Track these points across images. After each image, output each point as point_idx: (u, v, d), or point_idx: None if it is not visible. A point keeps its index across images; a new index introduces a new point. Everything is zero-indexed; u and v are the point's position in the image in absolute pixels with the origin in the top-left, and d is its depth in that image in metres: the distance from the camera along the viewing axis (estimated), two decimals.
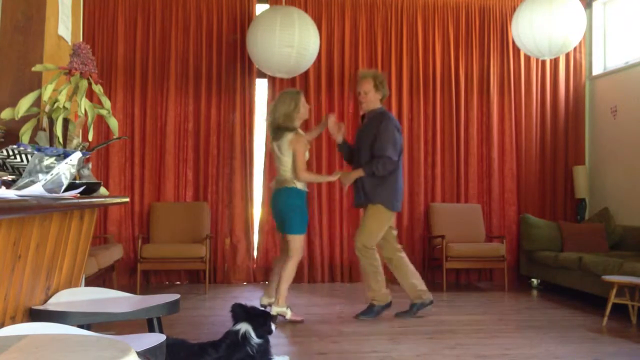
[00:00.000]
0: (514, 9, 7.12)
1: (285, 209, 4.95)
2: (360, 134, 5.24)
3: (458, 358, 3.81)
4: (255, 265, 7.11)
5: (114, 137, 2.77)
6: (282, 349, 4.04)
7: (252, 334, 3.36)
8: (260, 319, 3.42)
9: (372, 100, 5.15)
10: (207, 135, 7.05)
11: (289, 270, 4.91)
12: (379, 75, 5.23)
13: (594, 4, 7.52)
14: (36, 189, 1.71)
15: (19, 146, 2.02)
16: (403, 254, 5.23)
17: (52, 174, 1.87)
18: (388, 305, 5.12)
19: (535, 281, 7.09)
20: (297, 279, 7.01)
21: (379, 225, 5.08)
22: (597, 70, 7.57)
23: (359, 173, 5.08)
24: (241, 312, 3.44)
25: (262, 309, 3.63)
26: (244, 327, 3.38)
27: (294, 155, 4.90)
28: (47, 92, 2.44)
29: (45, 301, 2.27)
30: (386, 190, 5.07)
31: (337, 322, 4.97)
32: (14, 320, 1.99)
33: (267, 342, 3.45)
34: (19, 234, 1.91)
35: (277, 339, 4.36)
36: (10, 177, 1.95)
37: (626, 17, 7.18)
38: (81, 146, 2.57)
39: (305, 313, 5.15)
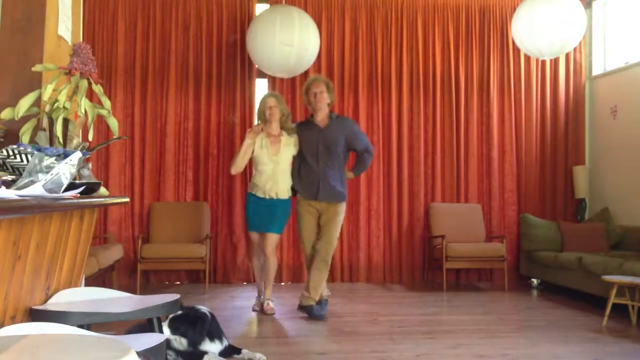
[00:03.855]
0: (514, 9, 7.12)
1: None
2: (326, 134, 5.21)
3: (458, 358, 3.81)
4: None
5: (114, 137, 2.77)
6: (282, 348, 4.05)
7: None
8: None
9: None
10: (207, 135, 7.05)
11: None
12: (329, 82, 5.47)
13: (594, 4, 7.52)
14: (36, 189, 1.71)
15: (19, 146, 2.02)
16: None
17: (52, 174, 1.87)
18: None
19: (535, 281, 7.08)
20: (297, 278, 7.07)
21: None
22: (597, 70, 7.57)
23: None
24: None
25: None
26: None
27: None
28: (47, 92, 2.44)
29: (45, 301, 2.27)
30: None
31: (337, 322, 4.96)
32: (14, 320, 1.99)
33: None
34: (19, 234, 1.91)
35: (277, 338, 4.36)
36: (10, 177, 1.95)
37: (626, 17, 7.18)
38: (81, 146, 2.57)
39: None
